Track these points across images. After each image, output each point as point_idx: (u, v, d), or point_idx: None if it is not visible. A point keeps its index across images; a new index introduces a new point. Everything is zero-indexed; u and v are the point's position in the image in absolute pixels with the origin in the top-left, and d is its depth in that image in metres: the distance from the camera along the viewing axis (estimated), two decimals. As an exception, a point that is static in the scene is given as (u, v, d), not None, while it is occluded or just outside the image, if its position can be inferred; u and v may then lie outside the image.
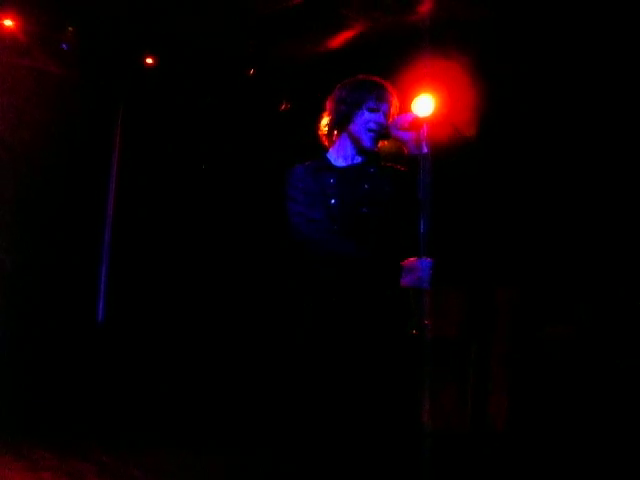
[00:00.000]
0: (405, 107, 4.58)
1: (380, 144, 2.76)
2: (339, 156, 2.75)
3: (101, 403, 5.69)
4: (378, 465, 2.52)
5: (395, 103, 2.72)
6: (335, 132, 2.76)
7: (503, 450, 4.72)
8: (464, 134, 4.74)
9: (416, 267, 2.48)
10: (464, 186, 4.84)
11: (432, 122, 2.63)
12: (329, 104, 2.77)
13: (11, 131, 5.73)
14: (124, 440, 5.12)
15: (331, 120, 2.75)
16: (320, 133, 2.81)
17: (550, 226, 4.83)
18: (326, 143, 2.80)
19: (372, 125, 2.66)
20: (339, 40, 5.29)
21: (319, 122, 2.81)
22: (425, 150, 2.58)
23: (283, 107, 6.07)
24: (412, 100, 4.68)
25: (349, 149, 2.74)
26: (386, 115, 2.68)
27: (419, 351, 2.62)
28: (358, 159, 2.74)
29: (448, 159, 3.81)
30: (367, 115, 2.66)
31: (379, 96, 2.67)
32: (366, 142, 2.68)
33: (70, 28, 5.59)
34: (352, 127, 2.69)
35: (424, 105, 4.71)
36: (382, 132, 2.68)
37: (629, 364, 4.36)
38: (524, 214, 4.93)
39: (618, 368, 4.39)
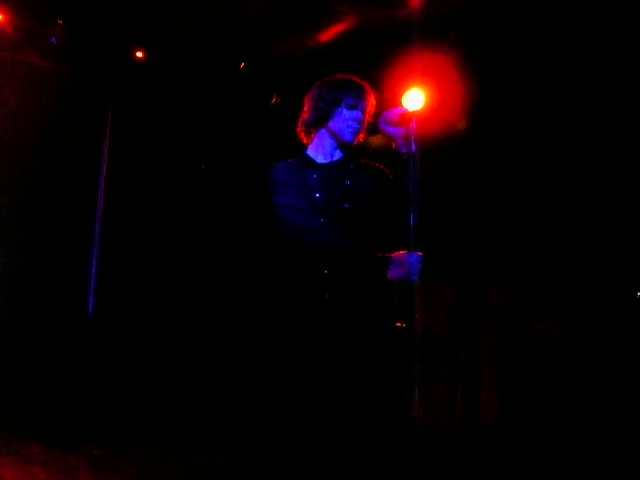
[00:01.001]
0: (395, 101, 4.61)
1: (369, 139, 2.78)
2: (318, 153, 2.78)
3: (93, 398, 5.68)
4: (368, 460, 2.53)
5: (372, 102, 2.76)
6: (314, 129, 2.79)
7: (493, 446, 4.75)
8: (455, 128, 4.76)
9: (405, 260, 2.50)
10: (454, 181, 4.85)
11: (421, 117, 2.65)
12: (307, 102, 2.81)
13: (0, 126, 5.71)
14: (116, 435, 5.11)
15: (310, 118, 2.78)
16: (298, 130, 2.84)
17: (540, 223, 4.86)
18: (304, 140, 2.84)
19: (352, 122, 2.70)
20: (330, 34, 5.29)
21: (297, 120, 2.84)
22: (414, 149, 2.61)
23: (274, 101, 6.07)
24: (402, 94, 4.70)
25: (328, 145, 2.77)
26: (364, 112, 2.73)
27: (408, 346, 2.63)
28: (338, 155, 2.78)
29: (438, 154, 3.82)
30: (346, 112, 2.70)
31: (357, 94, 2.72)
32: (346, 136, 2.72)
33: (59, 22, 5.56)
34: (331, 124, 2.73)
35: (414, 99, 4.72)
36: (361, 128, 2.72)
37: (618, 360, 4.39)
38: (513, 211, 4.95)
39: (606, 364, 4.42)
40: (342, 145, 2.75)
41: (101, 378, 5.83)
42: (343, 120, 2.70)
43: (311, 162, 2.77)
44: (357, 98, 2.71)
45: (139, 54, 5.98)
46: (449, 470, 4.27)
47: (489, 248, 5.02)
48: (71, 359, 5.84)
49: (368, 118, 2.74)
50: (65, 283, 6.11)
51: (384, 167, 2.77)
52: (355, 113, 2.70)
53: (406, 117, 2.63)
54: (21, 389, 5.44)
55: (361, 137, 2.77)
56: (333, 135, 2.74)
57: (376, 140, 2.92)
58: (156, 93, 6.31)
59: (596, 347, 4.49)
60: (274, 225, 2.70)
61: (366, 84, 2.77)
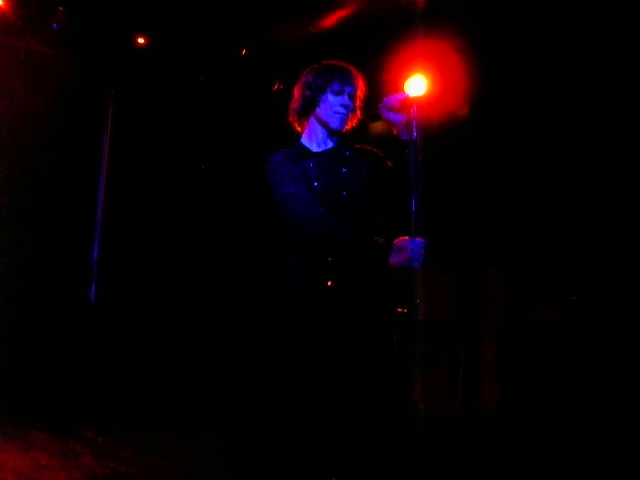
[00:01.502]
0: (397, 87, 4.59)
1: (371, 126, 2.77)
2: (312, 141, 2.77)
3: (95, 385, 5.70)
4: (369, 446, 2.54)
5: (360, 86, 2.74)
6: (304, 117, 2.78)
7: (495, 432, 4.76)
8: (456, 114, 4.74)
9: (406, 246, 2.48)
10: (455, 168, 4.84)
11: (423, 103, 2.63)
12: (296, 90, 2.80)
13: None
14: (118, 421, 5.13)
15: (298, 105, 2.77)
16: (290, 119, 2.83)
17: (542, 208, 4.84)
18: (298, 129, 2.83)
19: (338, 108, 2.68)
20: (332, 20, 5.26)
21: (288, 109, 2.83)
22: (415, 135, 2.59)
23: (276, 87, 6.05)
24: (404, 81, 4.67)
25: (319, 133, 2.76)
26: (351, 97, 2.70)
27: (410, 332, 2.63)
28: (331, 143, 2.77)
29: (439, 141, 3.81)
30: (332, 98, 2.68)
31: (343, 79, 2.69)
32: (333, 123, 2.70)
33: (60, 8, 5.53)
34: (318, 111, 2.72)
35: (417, 86, 4.70)
36: (349, 114, 2.70)
37: (619, 346, 4.39)
38: (515, 196, 4.94)
39: (608, 350, 4.42)
40: (332, 133, 2.74)
41: (102, 366, 5.84)
42: (330, 106, 2.68)
43: (306, 151, 2.75)
44: (343, 83, 2.68)
45: (140, 40, 5.95)
46: (450, 456, 4.29)
47: (490, 234, 5.01)
48: (72, 347, 5.85)
49: (358, 103, 2.72)
50: (67, 272, 6.11)
51: (379, 151, 2.76)
52: (341, 98, 2.68)
53: (407, 103, 2.60)
54: (23, 377, 5.45)
55: (353, 123, 2.76)
56: (322, 123, 2.73)
57: (377, 127, 2.90)
58: (158, 80, 6.28)
59: (598, 333, 4.49)
60: (275, 216, 2.68)
61: (353, 68, 2.74)
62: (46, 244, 5.95)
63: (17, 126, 5.71)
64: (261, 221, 5.60)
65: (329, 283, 2.57)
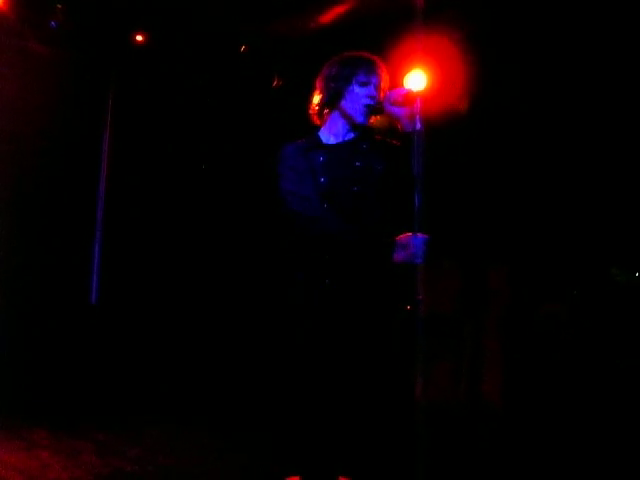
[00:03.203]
0: (398, 82, 4.57)
1: (373, 120, 2.75)
2: (331, 134, 2.73)
3: (97, 383, 5.70)
4: (372, 441, 2.54)
5: (385, 77, 2.70)
6: (326, 110, 2.74)
7: (498, 426, 4.76)
8: (457, 109, 4.73)
9: (410, 243, 2.47)
10: (458, 163, 4.83)
11: (425, 97, 2.61)
12: (319, 82, 2.75)
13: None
14: (120, 419, 5.13)
15: (322, 98, 2.72)
16: (311, 112, 2.79)
17: (545, 203, 4.84)
18: (317, 122, 2.79)
19: (365, 99, 2.64)
20: (331, 15, 5.25)
21: (310, 101, 2.79)
22: (419, 126, 2.56)
23: (275, 83, 6.03)
24: (405, 75, 4.66)
25: (341, 126, 2.72)
26: (377, 88, 2.66)
27: (413, 327, 2.62)
28: (350, 135, 2.72)
29: (441, 135, 3.80)
30: (358, 89, 2.65)
31: (368, 69, 2.66)
32: (359, 117, 2.67)
33: (59, 6, 5.51)
34: (343, 103, 2.67)
35: (417, 81, 4.68)
36: (375, 106, 2.65)
37: (621, 341, 4.39)
38: (518, 191, 4.94)
39: (611, 344, 4.42)
40: (355, 126, 2.70)
41: (104, 364, 5.84)
42: (356, 98, 2.64)
43: (320, 144, 2.71)
44: (369, 74, 2.65)
45: (139, 38, 5.93)
46: (453, 449, 4.29)
47: (493, 228, 5.01)
48: (74, 346, 5.85)
49: (382, 94, 2.67)
50: (68, 272, 6.10)
51: (399, 143, 2.68)
52: (367, 89, 2.64)
53: (410, 97, 2.58)
54: (26, 376, 5.45)
55: (377, 116, 2.72)
56: (345, 116, 2.68)
57: (380, 121, 2.88)
58: (156, 78, 6.27)
59: (600, 327, 4.49)
60: (279, 209, 2.67)
61: (377, 58, 2.71)
62: (46, 243, 5.94)
63: (15, 125, 5.69)
64: (261, 219, 5.60)
65: (327, 281, 2.56)
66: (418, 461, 2.49)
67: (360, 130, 2.72)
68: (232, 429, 4.96)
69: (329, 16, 5.27)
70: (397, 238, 2.52)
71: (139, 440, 4.59)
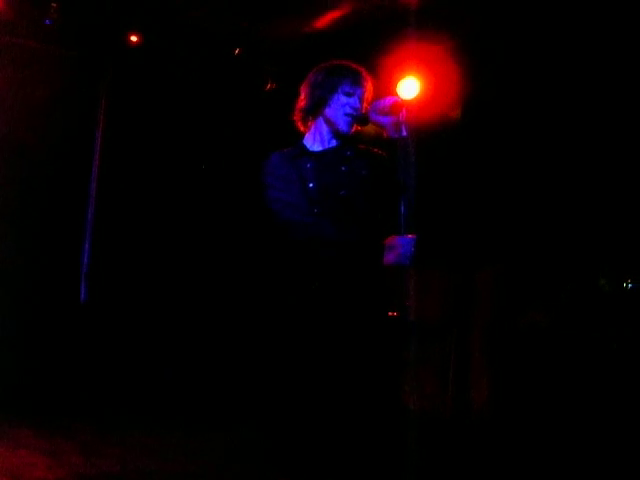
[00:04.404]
0: (390, 90, 4.60)
1: (359, 128, 2.76)
2: (315, 141, 2.74)
3: (84, 382, 5.69)
4: (360, 447, 2.54)
5: (369, 88, 2.71)
6: (310, 117, 2.75)
7: (485, 431, 4.77)
8: (448, 116, 4.75)
9: (397, 244, 2.49)
10: (447, 168, 4.85)
11: (412, 105, 2.63)
12: (304, 89, 2.76)
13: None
14: (106, 419, 5.12)
15: (306, 105, 2.73)
16: (295, 118, 2.80)
17: (532, 209, 4.86)
18: (301, 129, 2.79)
19: (348, 109, 2.65)
20: (324, 21, 5.26)
21: (294, 107, 2.81)
22: (404, 133, 2.58)
23: (268, 87, 6.05)
24: (397, 82, 4.68)
25: (325, 133, 2.73)
26: (361, 100, 2.68)
27: (401, 334, 2.63)
28: (334, 143, 2.73)
29: (430, 141, 3.82)
30: (343, 99, 2.65)
31: (355, 80, 2.67)
32: (342, 126, 2.68)
33: (54, 4, 5.51)
34: (328, 111, 2.68)
35: (409, 88, 4.70)
36: (358, 116, 2.67)
37: (608, 348, 4.41)
38: (507, 197, 4.96)
39: (597, 350, 4.44)
40: (338, 134, 2.71)
41: (92, 364, 5.83)
42: (340, 107, 2.65)
43: (305, 151, 2.72)
44: (354, 84, 2.66)
45: (134, 38, 5.93)
46: (441, 455, 4.29)
47: (481, 234, 5.03)
48: (62, 345, 5.84)
49: (365, 105, 2.68)
50: (57, 270, 6.09)
51: (384, 153, 2.71)
52: (352, 100, 2.66)
53: (396, 106, 2.60)
54: (12, 375, 5.43)
55: (358, 126, 2.73)
56: (329, 124, 2.69)
57: (367, 129, 2.89)
58: (150, 78, 6.27)
59: (586, 333, 4.51)
60: (267, 217, 2.68)
61: (363, 70, 2.71)
62: (36, 243, 5.92)
63: (6, 123, 5.68)
64: (254, 221, 5.60)
65: (316, 284, 2.57)
66: (406, 467, 2.50)
67: (343, 139, 2.73)
68: (213, 429, 4.97)
69: (324, 21, 5.28)
70: (385, 240, 2.53)
71: (125, 441, 4.59)
